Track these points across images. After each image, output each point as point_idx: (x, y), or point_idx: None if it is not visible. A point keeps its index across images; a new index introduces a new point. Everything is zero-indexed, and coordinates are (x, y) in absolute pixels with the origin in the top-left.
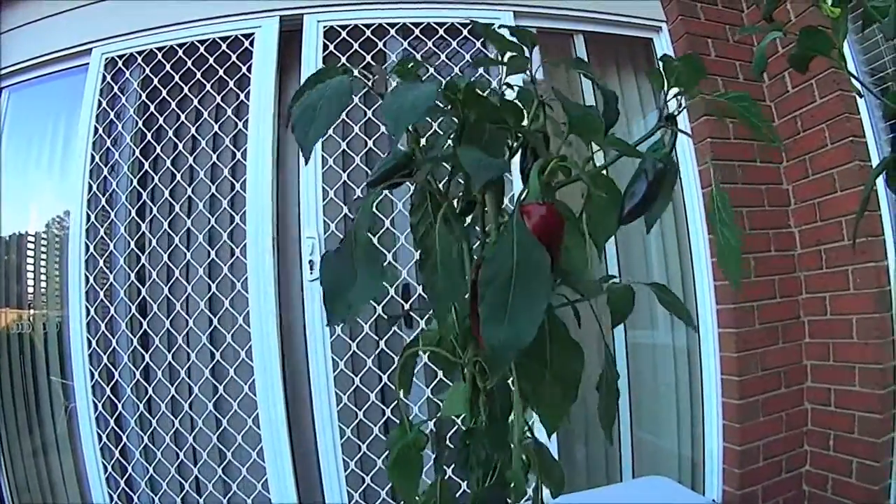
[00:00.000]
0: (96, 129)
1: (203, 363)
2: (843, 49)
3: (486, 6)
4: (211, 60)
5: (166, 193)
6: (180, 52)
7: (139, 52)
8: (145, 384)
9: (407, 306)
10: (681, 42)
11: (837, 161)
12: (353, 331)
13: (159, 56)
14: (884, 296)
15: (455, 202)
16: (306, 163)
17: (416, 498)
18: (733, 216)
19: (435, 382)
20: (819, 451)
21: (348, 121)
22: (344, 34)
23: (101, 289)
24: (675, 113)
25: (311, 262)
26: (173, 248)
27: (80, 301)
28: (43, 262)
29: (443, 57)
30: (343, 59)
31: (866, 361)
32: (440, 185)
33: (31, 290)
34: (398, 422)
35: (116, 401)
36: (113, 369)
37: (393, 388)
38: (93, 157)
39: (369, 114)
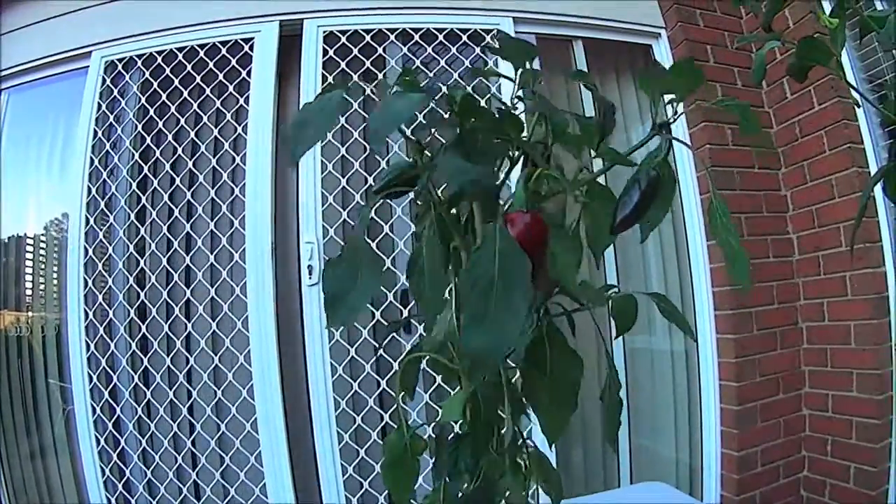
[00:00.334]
0: (96, 133)
1: (202, 367)
2: (841, 58)
3: (485, 13)
4: (211, 65)
5: (165, 197)
6: (180, 56)
7: (139, 56)
8: (144, 388)
9: (406, 312)
10: (680, 48)
11: (836, 167)
12: (352, 336)
13: (159, 60)
14: (881, 302)
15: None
16: (295, 172)
17: (413, 502)
18: (732, 227)
19: (434, 388)
20: (817, 457)
21: (347, 126)
22: (343, 39)
23: (100, 292)
24: (670, 120)
25: (310, 266)
26: (172, 252)
27: (79, 304)
28: (42, 265)
29: (442, 63)
30: (342, 65)
31: (864, 367)
32: (440, 195)
33: (29, 292)
34: (396, 426)
35: (115, 404)
36: (111, 373)
37: (392, 393)
38: (92, 161)
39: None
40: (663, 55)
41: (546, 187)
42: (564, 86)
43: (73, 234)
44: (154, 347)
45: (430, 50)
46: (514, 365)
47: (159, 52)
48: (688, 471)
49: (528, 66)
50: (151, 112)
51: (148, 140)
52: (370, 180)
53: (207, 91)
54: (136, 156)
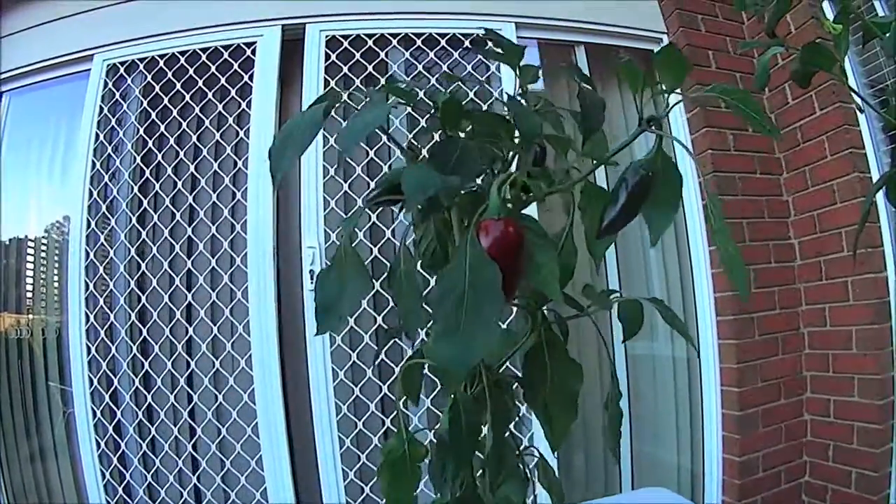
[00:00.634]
0: (97, 136)
1: (203, 371)
2: (844, 64)
3: (488, 17)
4: (213, 69)
5: (167, 201)
6: (182, 60)
7: (141, 59)
8: (144, 391)
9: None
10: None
11: (837, 173)
12: (354, 340)
13: (161, 63)
14: (883, 307)
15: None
16: (274, 189)
17: None
18: (726, 226)
19: (434, 393)
20: (818, 462)
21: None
22: (346, 44)
23: (101, 295)
24: (661, 115)
25: (311, 271)
26: (174, 255)
27: (80, 307)
28: (42, 267)
29: (444, 68)
30: (345, 69)
31: (865, 372)
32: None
33: (30, 294)
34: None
35: (115, 408)
36: (112, 376)
37: (393, 398)
38: (93, 164)
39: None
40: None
41: (542, 189)
42: (566, 89)
43: (75, 237)
44: (155, 351)
45: (432, 55)
46: (516, 372)
47: (161, 56)
48: (689, 476)
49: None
50: (153, 115)
51: (150, 143)
52: (372, 185)
53: (209, 95)
54: (138, 159)
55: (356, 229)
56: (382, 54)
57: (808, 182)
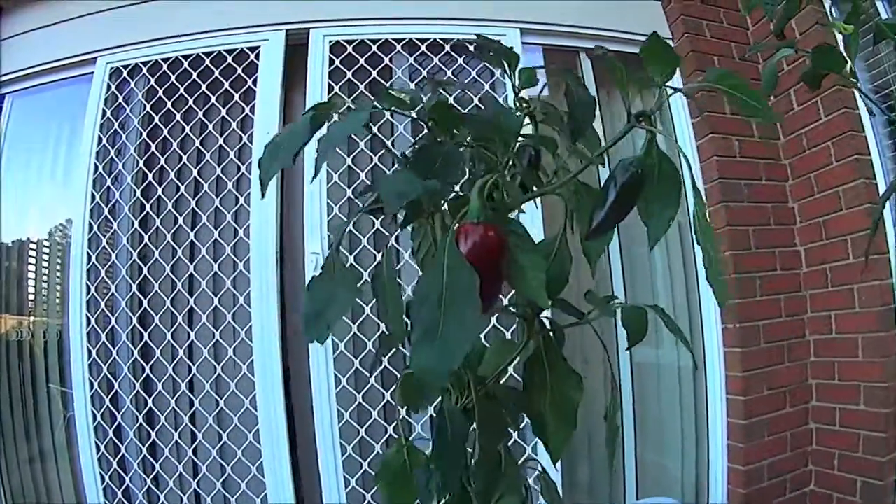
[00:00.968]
0: (100, 139)
1: (204, 376)
2: (854, 66)
3: (492, 23)
4: (216, 73)
5: (170, 205)
6: (185, 64)
7: (144, 63)
8: (145, 396)
9: (409, 324)
10: (686, 59)
11: (843, 179)
12: (357, 347)
13: (164, 67)
14: (889, 314)
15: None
16: (262, 196)
17: None
18: (710, 230)
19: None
20: (824, 471)
21: (354, 137)
22: (350, 49)
23: (103, 299)
24: (650, 111)
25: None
26: (176, 260)
27: (81, 310)
28: (45, 270)
29: (449, 73)
30: (349, 75)
31: (871, 380)
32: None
33: (31, 297)
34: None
35: (115, 412)
36: (113, 380)
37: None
38: (96, 167)
39: (374, 129)
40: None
41: (520, 193)
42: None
43: (76, 241)
44: (156, 355)
45: (436, 60)
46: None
47: (165, 60)
48: (694, 485)
49: (509, 67)
50: (156, 119)
51: (153, 147)
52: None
53: (213, 99)
54: (141, 163)
55: (360, 236)
56: (386, 59)
57: (815, 188)
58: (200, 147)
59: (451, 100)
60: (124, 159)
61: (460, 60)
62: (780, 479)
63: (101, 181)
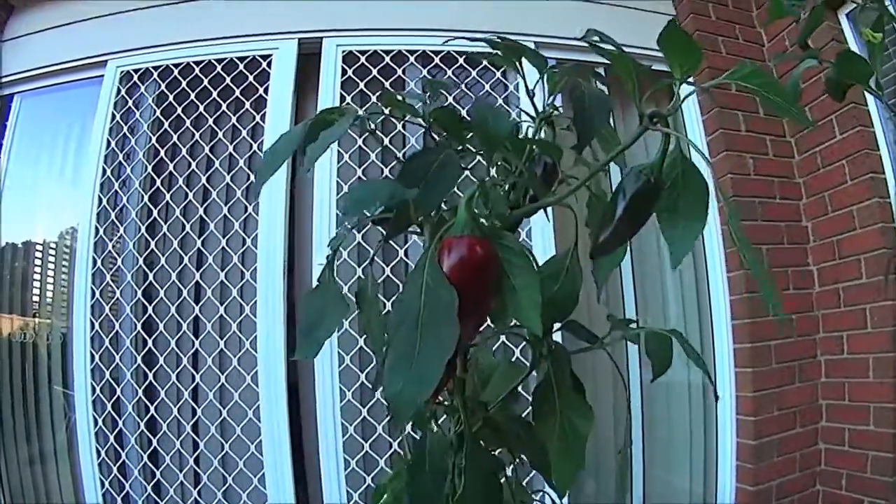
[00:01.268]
0: (109, 143)
1: (208, 386)
2: (878, 75)
3: (507, 35)
4: (228, 80)
5: (178, 212)
6: (197, 70)
7: (155, 67)
8: (147, 402)
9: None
10: (701, 75)
11: (857, 198)
12: (363, 360)
13: (175, 72)
14: None
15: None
16: (254, 199)
17: None
18: (745, 240)
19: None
20: (832, 491)
21: (365, 148)
22: (363, 59)
23: (107, 303)
24: (666, 112)
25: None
26: (183, 267)
27: (85, 314)
28: (50, 272)
29: (462, 86)
30: (361, 85)
31: (882, 401)
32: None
33: (36, 298)
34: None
35: (117, 417)
36: (115, 385)
37: None
38: (104, 171)
39: (386, 141)
40: (682, 84)
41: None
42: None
43: (82, 244)
44: (160, 363)
45: (450, 73)
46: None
47: (176, 65)
48: None
49: (519, 66)
50: (166, 125)
51: (162, 153)
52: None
53: (224, 106)
54: (149, 168)
55: (369, 249)
56: (399, 71)
57: (829, 207)
58: (210, 154)
59: (450, 100)
60: (133, 164)
61: (474, 73)
62: (788, 500)
63: (108, 185)
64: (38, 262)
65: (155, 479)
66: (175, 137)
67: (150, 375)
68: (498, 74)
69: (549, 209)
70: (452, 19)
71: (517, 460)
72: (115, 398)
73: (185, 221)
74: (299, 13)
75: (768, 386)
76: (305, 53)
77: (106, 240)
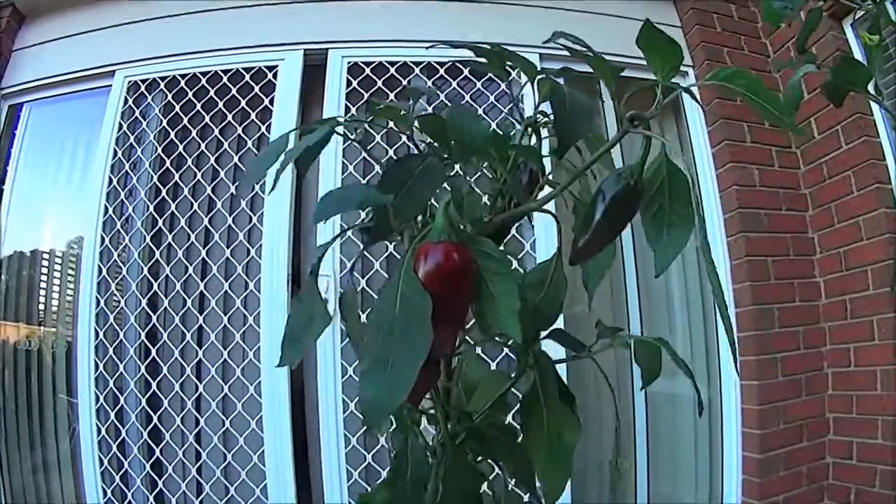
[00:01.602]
0: (115, 152)
1: (211, 396)
2: (877, 78)
3: (511, 47)
4: (234, 91)
5: (183, 222)
6: (203, 81)
7: (162, 78)
8: (151, 412)
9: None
10: (707, 87)
11: (863, 208)
12: None
13: (182, 83)
14: None
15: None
16: (242, 199)
17: None
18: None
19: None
20: None
21: (370, 159)
22: (368, 71)
23: (112, 313)
24: (648, 114)
25: (325, 300)
26: (187, 277)
27: (90, 323)
28: (56, 280)
29: (467, 97)
30: (366, 96)
31: (890, 414)
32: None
33: (42, 306)
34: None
35: (120, 426)
36: (119, 394)
37: None
38: (110, 180)
39: (391, 152)
40: (691, 93)
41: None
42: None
43: (88, 253)
44: (164, 372)
45: (454, 84)
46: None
47: (183, 76)
48: None
49: (509, 71)
50: (172, 135)
51: (167, 163)
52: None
53: (230, 117)
54: (155, 178)
55: (373, 259)
56: (404, 82)
57: (835, 218)
58: (215, 164)
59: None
60: (139, 174)
61: (479, 84)
62: None
63: (114, 194)
64: (44, 270)
65: (157, 489)
66: (181, 147)
67: (154, 384)
68: (503, 86)
69: (539, 215)
70: (457, 31)
71: (499, 471)
72: (118, 407)
73: (190, 231)
74: (305, 25)
75: (774, 399)
76: (311, 64)
77: (111, 249)
